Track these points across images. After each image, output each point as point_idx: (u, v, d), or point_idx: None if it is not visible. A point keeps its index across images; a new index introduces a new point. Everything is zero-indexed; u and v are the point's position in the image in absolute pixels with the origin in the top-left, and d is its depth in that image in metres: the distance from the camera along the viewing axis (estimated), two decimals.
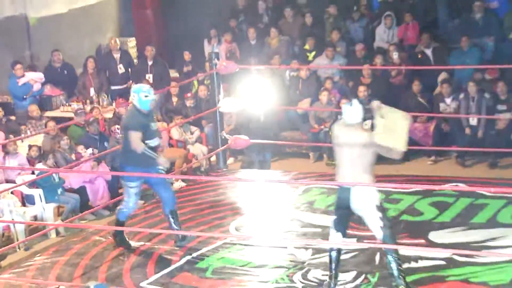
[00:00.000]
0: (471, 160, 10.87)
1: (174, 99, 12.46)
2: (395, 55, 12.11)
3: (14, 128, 11.33)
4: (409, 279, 7.29)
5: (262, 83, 12.08)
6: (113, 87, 13.17)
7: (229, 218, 9.19)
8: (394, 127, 6.95)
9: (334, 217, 7.14)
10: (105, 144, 10.63)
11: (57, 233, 9.40)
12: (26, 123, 11.39)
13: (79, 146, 10.39)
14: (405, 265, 7.55)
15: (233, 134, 10.45)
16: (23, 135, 11.05)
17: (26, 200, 9.69)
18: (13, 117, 12.12)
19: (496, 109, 10.79)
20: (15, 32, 13.48)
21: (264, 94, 10.82)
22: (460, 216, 8.78)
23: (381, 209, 7.01)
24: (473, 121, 10.89)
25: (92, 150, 10.38)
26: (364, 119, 7.07)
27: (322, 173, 10.92)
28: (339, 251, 7.15)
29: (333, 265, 7.14)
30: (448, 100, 11.12)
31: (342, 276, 7.44)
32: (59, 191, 9.78)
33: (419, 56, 12.17)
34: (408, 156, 11.19)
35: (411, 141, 11.22)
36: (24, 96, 12.22)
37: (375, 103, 6.98)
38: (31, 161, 10.17)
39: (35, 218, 9.49)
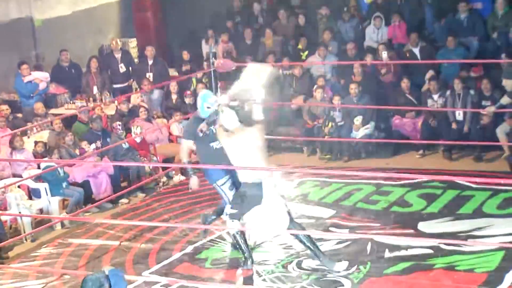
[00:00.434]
0: (458, 154, 10.85)
1: (174, 97, 12.42)
2: (384, 54, 12.08)
3: (21, 125, 11.26)
4: (398, 267, 7.31)
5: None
6: (115, 86, 13.12)
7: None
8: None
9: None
10: (108, 140, 10.59)
11: (62, 225, 9.35)
12: (32, 120, 11.32)
13: (83, 141, 10.34)
14: (395, 253, 7.57)
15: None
16: (29, 132, 11.00)
17: (32, 194, 9.63)
18: (19, 115, 12.07)
19: (481, 105, 10.78)
20: (21, 34, 13.42)
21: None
22: (448, 207, 8.79)
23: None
24: (459, 116, 10.86)
25: (96, 145, 10.34)
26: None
27: (315, 167, 10.91)
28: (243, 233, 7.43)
29: (246, 246, 7.46)
30: (435, 97, 11.08)
31: (335, 266, 7.42)
32: (64, 185, 9.72)
33: (407, 55, 12.13)
34: (397, 150, 11.19)
35: (401, 136, 11.24)
36: (31, 95, 12.16)
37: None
38: (37, 156, 10.12)
39: (41, 211, 9.44)
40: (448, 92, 11.06)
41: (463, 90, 10.85)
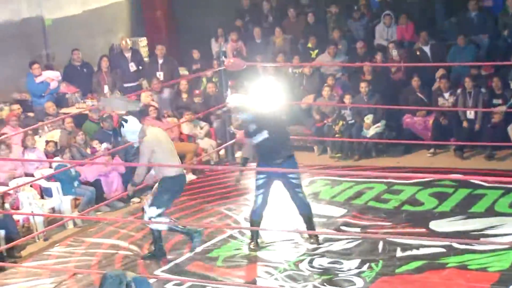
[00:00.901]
0: (469, 152, 10.82)
1: (184, 96, 12.42)
2: (394, 52, 12.05)
3: (32, 124, 11.27)
4: (411, 266, 7.29)
5: (268, 80, 12.06)
6: (125, 85, 13.12)
7: (239, 209, 9.17)
8: None
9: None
10: (119, 139, 10.59)
11: (74, 224, 9.37)
12: (44, 120, 11.34)
13: (94, 141, 10.35)
14: (407, 252, 7.55)
15: (240, 129, 10.41)
16: (40, 131, 11.02)
17: (44, 193, 9.65)
18: (31, 114, 12.10)
19: (491, 103, 10.74)
20: (32, 33, 13.43)
21: (270, 91, 10.77)
22: (459, 206, 8.76)
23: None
24: (470, 114, 10.83)
25: (106, 144, 10.35)
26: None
27: (327, 165, 10.89)
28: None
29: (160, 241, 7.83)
30: (446, 95, 11.05)
31: (346, 264, 7.43)
32: (76, 184, 9.74)
33: (417, 53, 12.09)
34: (408, 149, 11.16)
35: (411, 134, 11.21)
36: (42, 94, 12.18)
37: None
38: (48, 155, 10.14)
39: (53, 210, 9.46)
40: (459, 91, 11.02)
41: (474, 88, 10.82)
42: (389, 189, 9.45)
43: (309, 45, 13.12)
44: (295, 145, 11.55)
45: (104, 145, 10.37)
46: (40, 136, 10.80)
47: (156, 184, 7.79)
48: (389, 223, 8.40)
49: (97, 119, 11.06)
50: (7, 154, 9.68)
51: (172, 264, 7.77)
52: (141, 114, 11.70)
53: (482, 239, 7.73)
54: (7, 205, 8.95)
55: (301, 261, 7.58)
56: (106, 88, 12.70)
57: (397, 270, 7.23)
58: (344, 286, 7.01)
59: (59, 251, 8.44)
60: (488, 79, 11.23)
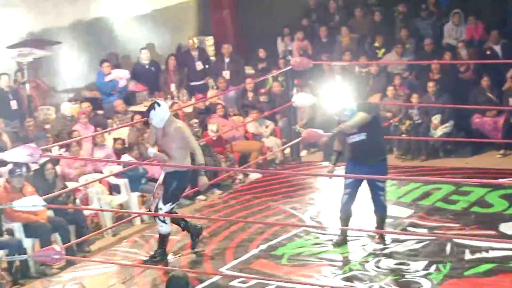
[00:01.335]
0: None
1: (250, 95, 12.47)
2: (463, 52, 11.85)
3: (102, 121, 11.51)
4: (480, 269, 7.13)
5: (334, 79, 12.00)
6: (191, 83, 13.27)
7: (304, 208, 9.14)
8: None
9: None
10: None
11: (142, 220, 9.51)
12: (113, 117, 11.55)
13: None
14: (476, 255, 7.38)
15: (305, 128, 10.37)
16: (109, 128, 11.22)
17: (112, 189, 9.82)
18: (100, 112, 12.33)
19: None
20: (102, 32, 13.70)
21: (337, 90, 10.71)
22: None
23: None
24: None
25: None
26: None
27: (393, 166, 10.74)
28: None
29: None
30: None
31: (413, 265, 7.32)
32: (143, 180, 9.88)
33: (488, 52, 11.85)
34: (477, 149, 10.94)
35: (481, 135, 10.99)
36: (111, 92, 12.42)
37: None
38: (116, 153, 10.32)
39: (121, 206, 9.62)
40: None
41: None
42: (457, 190, 9.27)
43: (376, 44, 13.01)
44: None
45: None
46: (109, 134, 10.99)
47: (165, 179, 7.68)
48: (457, 225, 8.24)
49: None
50: (77, 151, 9.89)
51: (237, 261, 7.79)
52: (208, 112, 11.82)
53: None
54: (77, 201, 9.14)
55: (367, 261, 7.50)
56: (172, 87, 12.86)
57: (465, 273, 7.08)
58: None
59: (127, 246, 8.56)
60: None
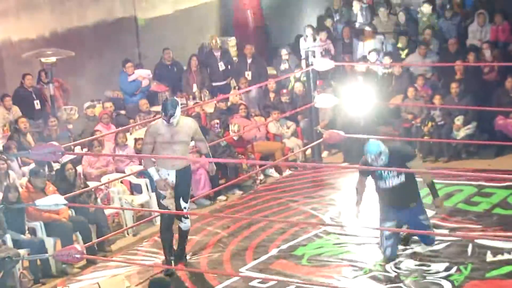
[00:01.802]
0: None
1: (272, 95, 12.48)
2: (487, 53, 11.76)
3: (124, 121, 11.57)
4: (502, 270, 7.09)
5: (357, 80, 11.97)
6: (214, 84, 13.31)
7: (324, 209, 9.14)
8: None
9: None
10: (206, 137, 10.71)
11: None
12: (135, 117, 11.62)
13: None
14: (498, 257, 7.34)
15: (327, 129, 10.37)
16: (131, 128, 11.28)
17: (133, 189, 9.88)
18: (123, 112, 12.39)
19: None
20: (125, 33, 13.79)
21: (359, 91, 10.71)
22: None
23: None
24: None
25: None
26: None
27: None
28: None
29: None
30: None
31: (434, 267, 7.30)
32: None
33: None
34: (500, 151, 10.85)
35: (504, 136, 10.89)
36: (134, 92, 12.50)
37: None
38: (137, 153, 10.35)
39: (142, 206, 9.67)
40: None
41: None
42: (480, 191, 9.22)
43: (399, 45, 12.95)
44: None
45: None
46: (131, 133, 11.06)
47: (181, 178, 7.69)
48: (479, 226, 8.19)
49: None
50: (99, 150, 9.96)
51: (257, 261, 7.81)
52: (230, 112, 11.85)
53: None
54: (98, 200, 9.21)
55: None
56: (195, 87, 12.91)
57: (487, 275, 7.05)
58: None
59: (148, 246, 8.62)
60: None
